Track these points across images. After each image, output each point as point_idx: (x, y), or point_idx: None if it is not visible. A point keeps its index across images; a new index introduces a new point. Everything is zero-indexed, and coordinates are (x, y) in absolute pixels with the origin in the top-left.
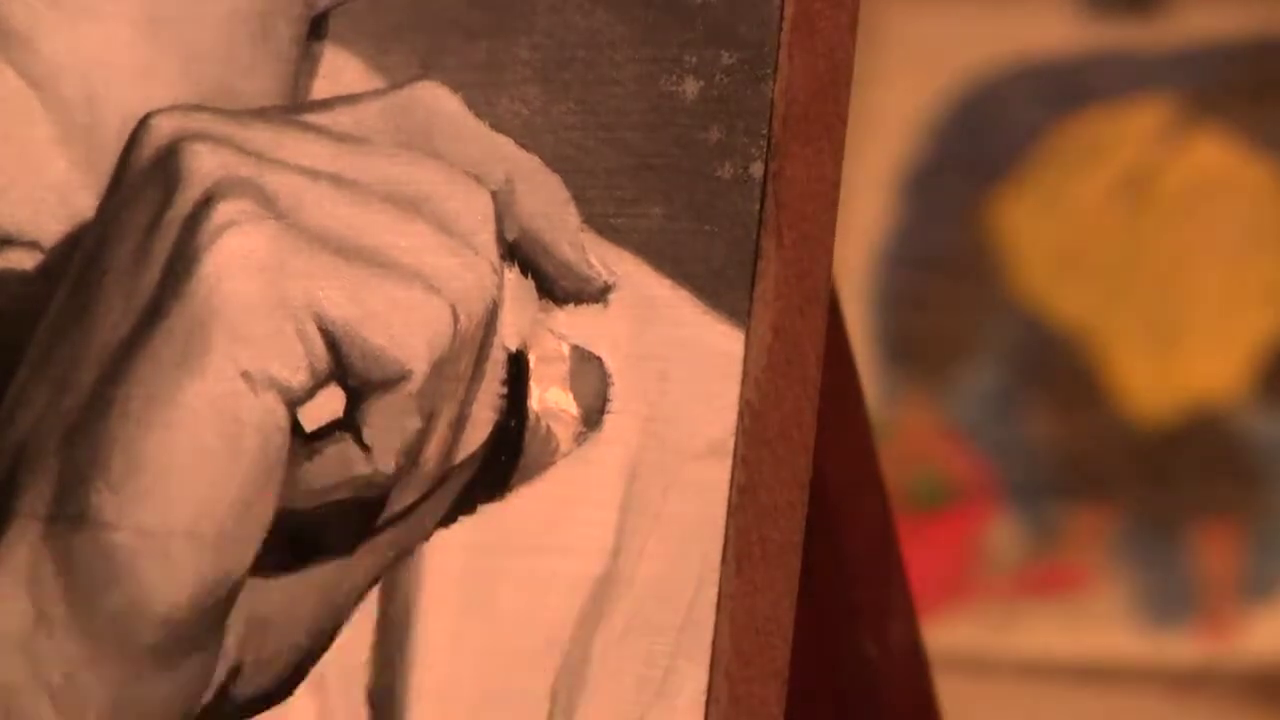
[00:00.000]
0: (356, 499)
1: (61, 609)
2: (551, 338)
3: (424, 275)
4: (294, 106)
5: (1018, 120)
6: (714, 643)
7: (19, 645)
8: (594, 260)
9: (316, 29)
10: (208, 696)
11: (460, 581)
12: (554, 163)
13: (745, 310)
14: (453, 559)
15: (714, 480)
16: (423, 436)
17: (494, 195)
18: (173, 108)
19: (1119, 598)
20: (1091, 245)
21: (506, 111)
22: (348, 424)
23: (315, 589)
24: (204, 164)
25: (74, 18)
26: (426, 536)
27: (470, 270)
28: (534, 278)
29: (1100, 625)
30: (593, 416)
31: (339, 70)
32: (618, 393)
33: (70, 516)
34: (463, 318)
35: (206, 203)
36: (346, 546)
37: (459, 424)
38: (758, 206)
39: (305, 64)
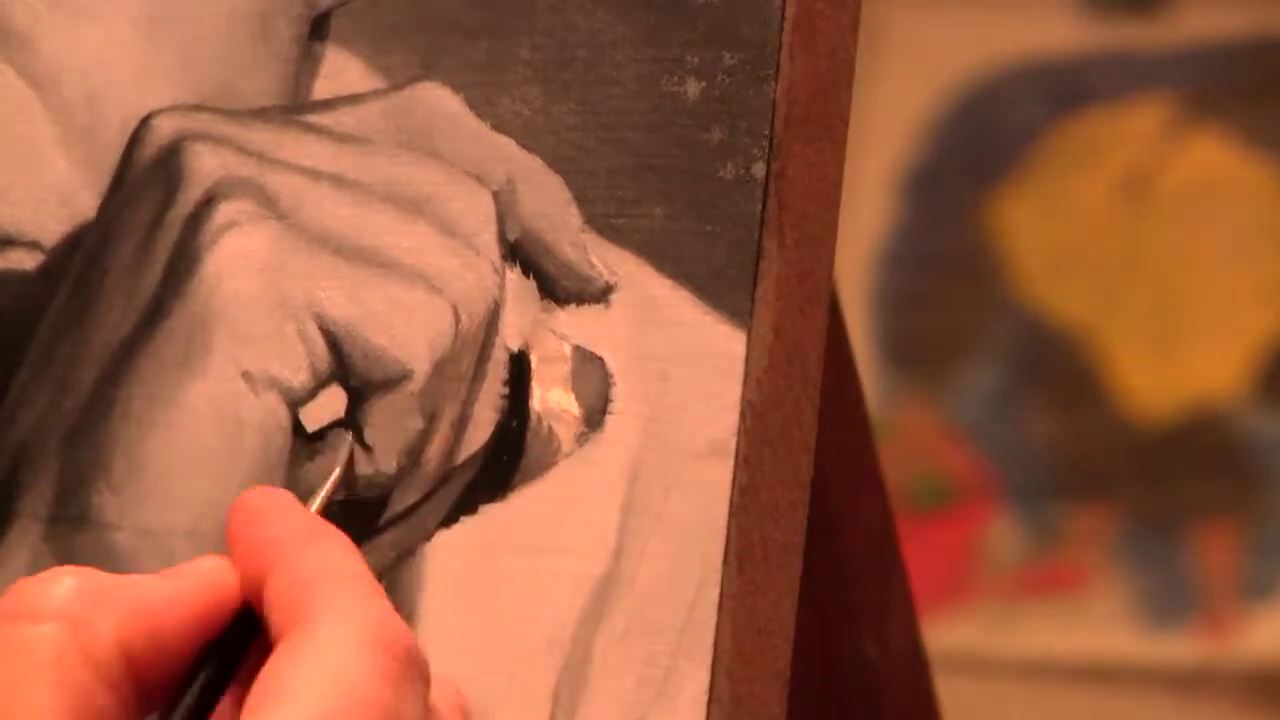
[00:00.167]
0: (358, 499)
1: None
2: (553, 338)
3: (425, 276)
4: (295, 107)
5: (1018, 120)
6: (715, 643)
7: None
8: (595, 261)
9: (318, 29)
10: None
11: (462, 581)
12: (555, 163)
13: (747, 310)
14: (454, 559)
15: (715, 480)
16: (424, 437)
17: (495, 196)
18: (173, 108)
19: (1119, 598)
20: (1091, 245)
21: (508, 112)
22: (349, 424)
23: None
24: (205, 164)
25: (74, 18)
26: (428, 536)
27: (472, 271)
28: (536, 278)
29: (1100, 625)
30: (594, 417)
31: (340, 71)
32: (619, 393)
33: (71, 517)
34: (464, 318)
35: (208, 203)
36: None
37: (461, 424)
38: (759, 207)
39: (306, 64)
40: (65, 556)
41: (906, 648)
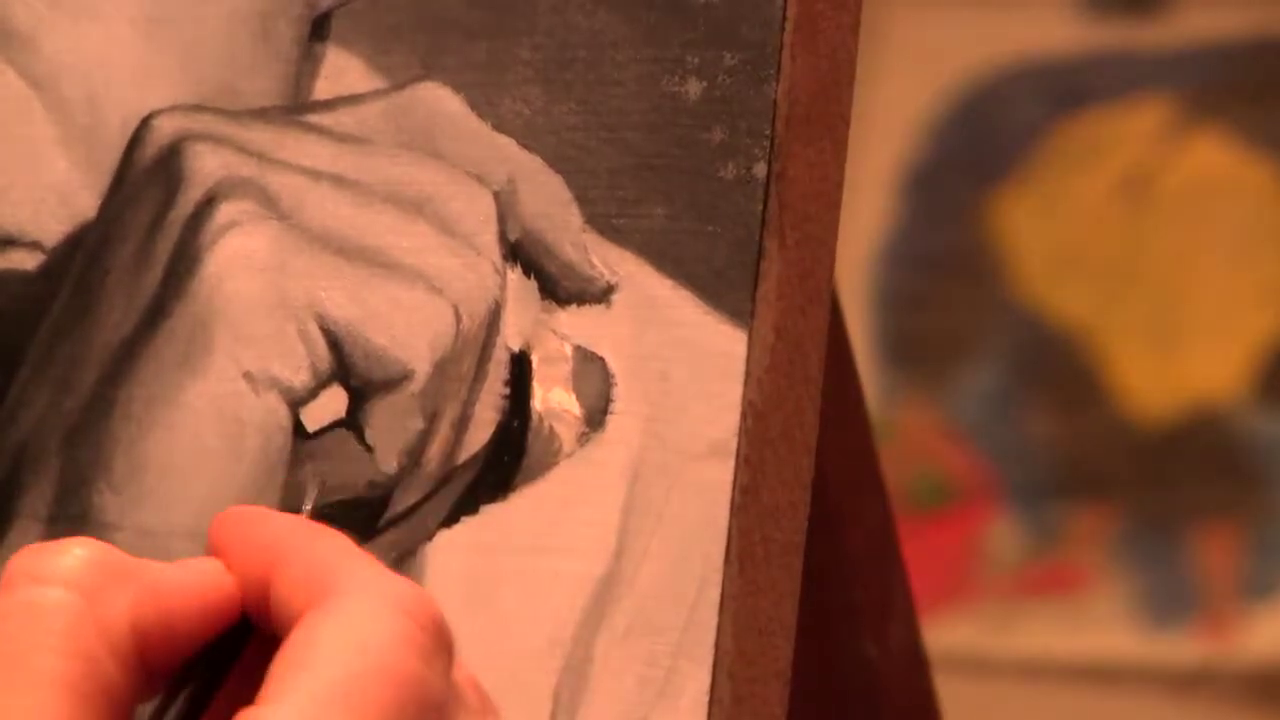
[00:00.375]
0: (359, 499)
1: None
2: (554, 338)
3: (426, 276)
4: (296, 107)
5: (1018, 120)
6: (716, 643)
7: None
8: (596, 261)
9: (318, 29)
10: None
11: (463, 582)
12: (556, 163)
13: (748, 311)
14: (455, 559)
15: (716, 480)
16: (425, 437)
17: (496, 196)
18: (174, 108)
19: (1119, 598)
20: (1091, 245)
21: (508, 112)
22: (350, 424)
23: None
24: (206, 164)
25: (75, 18)
26: (429, 537)
27: (472, 271)
28: (536, 278)
29: (1100, 625)
30: (595, 417)
31: (341, 71)
32: (620, 393)
33: (72, 517)
34: (465, 318)
35: (208, 203)
36: None
37: (461, 424)
38: (760, 207)
39: (307, 64)
40: None
41: (906, 648)
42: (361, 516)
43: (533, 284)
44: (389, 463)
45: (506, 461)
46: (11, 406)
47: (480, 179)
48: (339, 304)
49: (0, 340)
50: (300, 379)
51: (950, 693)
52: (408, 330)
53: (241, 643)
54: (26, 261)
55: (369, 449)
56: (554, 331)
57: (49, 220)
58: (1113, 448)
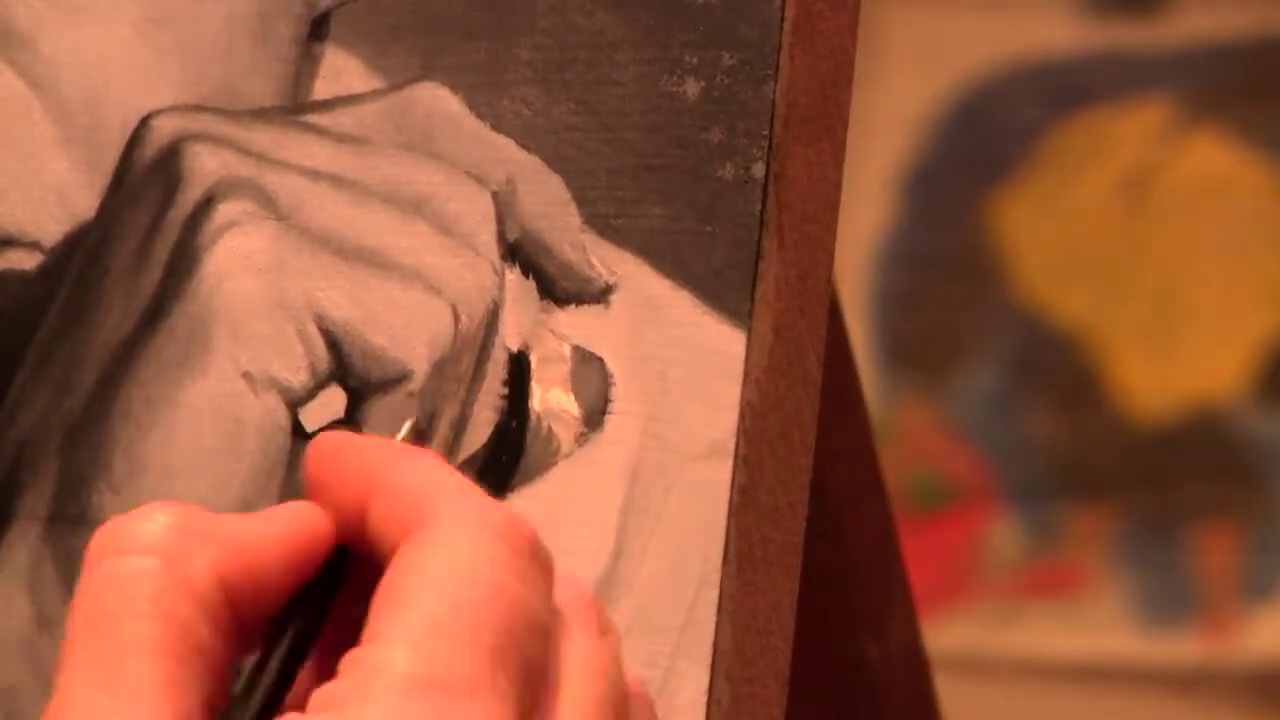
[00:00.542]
0: None
1: (62, 610)
2: (553, 338)
3: (425, 276)
4: (294, 107)
5: (1018, 120)
6: (715, 643)
7: (21, 646)
8: (595, 261)
9: (317, 30)
10: None
11: None
12: (555, 163)
13: (746, 311)
14: None
15: (715, 481)
16: (424, 437)
17: (495, 196)
18: (173, 108)
19: (1119, 598)
20: (1091, 245)
21: (507, 112)
22: (349, 424)
23: None
24: (205, 164)
25: (75, 19)
26: None
27: (471, 271)
28: (535, 278)
29: (1100, 625)
30: (594, 417)
31: (339, 71)
32: (619, 393)
33: (71, 517)
34: (463, 318)
35: (207, 203)
36: None
37: (460, 424)
38: (759, 207)
39: (306, 65)
40: (65, 557)
41: (906, 648)
42: None
43: (531, 284)
44: None
45: (505, 461)
46: (11, 407)
47: (479, 179)
48: (337, 304)
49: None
50: (299, 379)
51: (950, 693)
52: (406, 330)
53: (339, 575)
54: (26, 262)
55: None
56: (552, 331)
57: (48, 220)
58: (1112, 448)
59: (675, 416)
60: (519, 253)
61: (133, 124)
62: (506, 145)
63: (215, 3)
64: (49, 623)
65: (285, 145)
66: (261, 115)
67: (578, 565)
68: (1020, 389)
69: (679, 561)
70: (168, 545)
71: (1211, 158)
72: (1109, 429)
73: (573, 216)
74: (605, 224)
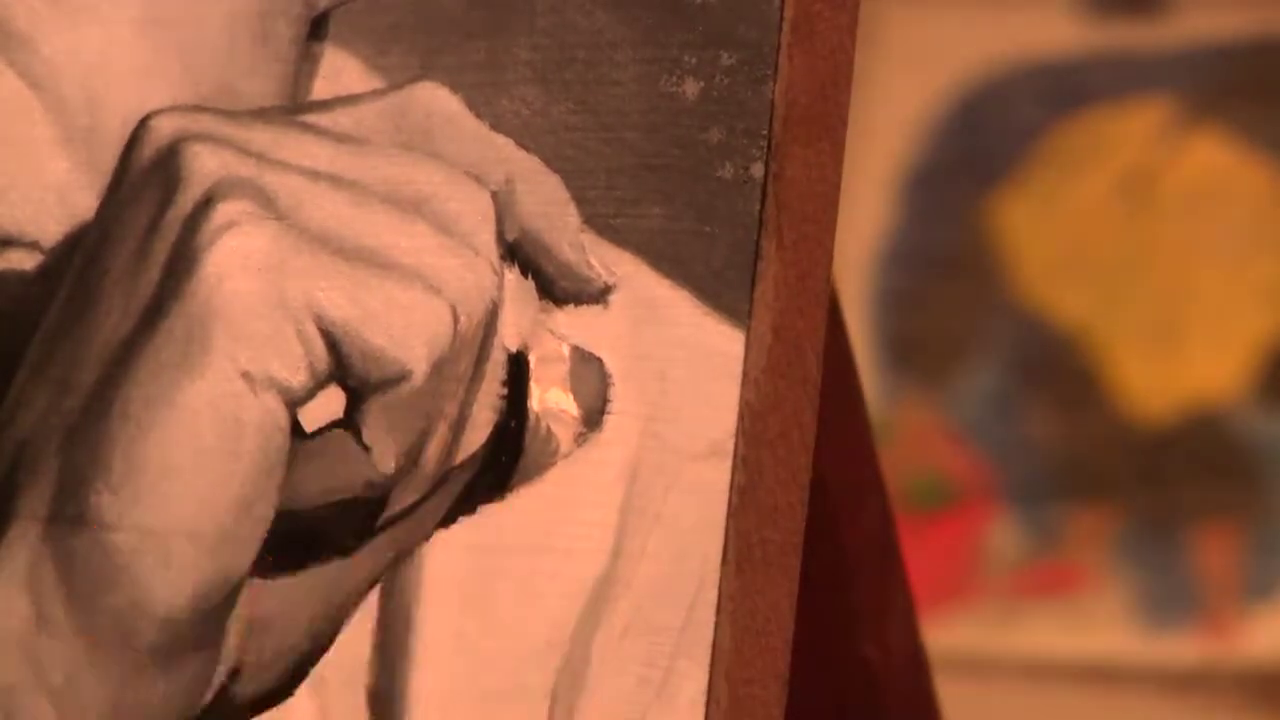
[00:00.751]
0: (357, 499)
1: (62, 610)
2: (552, 338)
3: (424, 276)
4: (294, 107)
5: (1018, 120)
6: (714, 643)
7: (19, 646)
8: (594, 261)
9: (317, 30)
10: (208, 697)
11: (461, 582)
12: (554, 163)
13: (745, 311)
14: (453, 559)
15: (714, 481)
16: (423, 437)
17: (494, 196)
18: (173, 108)
19: (1119, 598)
20: (1091, 245)
21: (506, 112)
22: (348, 424)
23: (315, 590)
24: (204, 164)
25: (75, 19)
26: (427, 537)
27: (470, 271)
28: (534, 278)
29: (1100, 625)
30: (593, 417)
31: (339, 71)
32: (618, 393)
33: (70, 517)
34: (463, 318)
35: (207, 203)
36: (346, 547)
37: (459, 424)
38: (758, 207)
39: (305, 65)
40: (64, 557)
41: (906, 649)
42: (359, 516)
43: (530, 284)
44: (387, 463)
45: (504, 461)
46: (10, 407)
47: (478, 179)
48: (337, 304)
49: None
50: (298, 379)
51: (950, 693)
52: (405, 330)
53: None
54: (25, 262)
55: (367, 449)
56: (552, 331)
57: (48, 221)
58: (1112, 448)
59: (674, 416)
60: (518, 252)
61: (133, 124)
62: (506, 145)
63: (215, 3)
64: (48, 623)
65: (285, 145)
66: (261, 115)
67: (577, 565)
68: (1020, 389)
69: (678, 562)
70: None
71: (1212, 158)
72: (1109, 429)
73: (572, 216)
74: (604, 224)
